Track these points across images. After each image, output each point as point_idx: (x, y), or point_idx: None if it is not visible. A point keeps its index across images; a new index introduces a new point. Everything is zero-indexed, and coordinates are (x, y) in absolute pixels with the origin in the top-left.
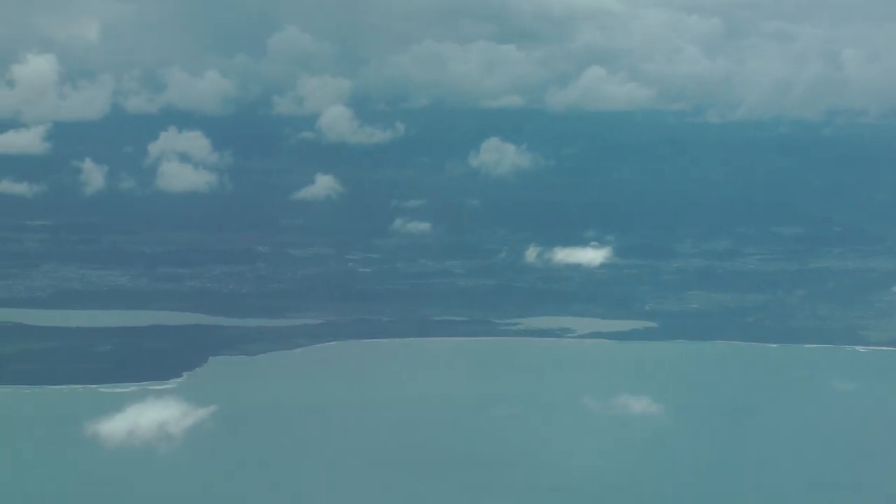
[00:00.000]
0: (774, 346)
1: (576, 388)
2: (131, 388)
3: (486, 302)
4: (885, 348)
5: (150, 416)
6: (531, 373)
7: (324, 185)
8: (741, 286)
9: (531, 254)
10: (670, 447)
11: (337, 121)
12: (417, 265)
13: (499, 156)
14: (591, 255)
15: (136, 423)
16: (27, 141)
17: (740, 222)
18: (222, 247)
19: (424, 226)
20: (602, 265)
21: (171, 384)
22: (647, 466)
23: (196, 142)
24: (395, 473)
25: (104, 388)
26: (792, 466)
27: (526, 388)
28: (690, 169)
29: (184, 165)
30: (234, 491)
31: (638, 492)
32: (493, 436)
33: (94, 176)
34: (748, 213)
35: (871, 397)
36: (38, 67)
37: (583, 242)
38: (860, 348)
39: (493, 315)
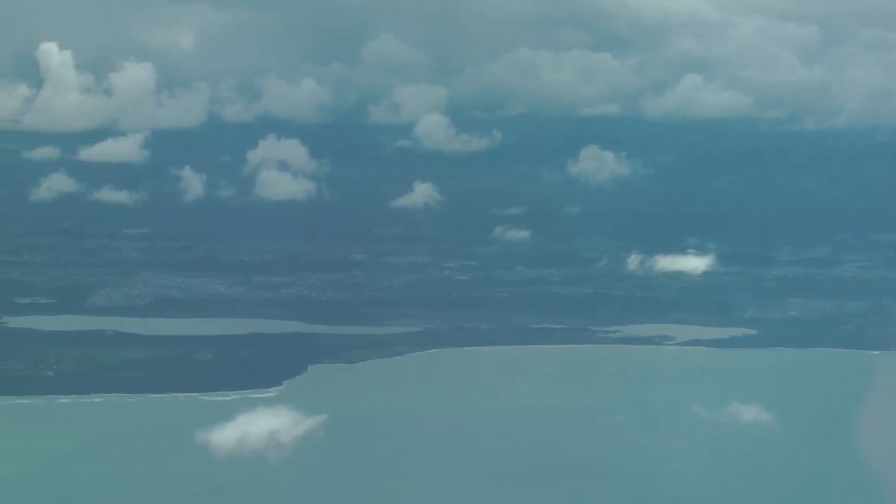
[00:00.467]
0: (876, 353)
1: (680, 395)
2: (232, 396)
3: (584, 309)
4: None
5: (256, 424)
6: (634, 380)
7: (422, 193)
8: (841, 293)
9: (630, 262)
10: (783, 456)
11: (433, 129)
12: (515, 273)
13: (597, 163)
14: (691, 263)
15: (243, 431)
16: (125, 149)
17: (839, 230)
18: (319, 255)
19: (524, 234)
20: (701, 273)
21: (271, 392)
22: (761, 475)
23: (293, 150)
24: (503, 483)
25: (205, 397)
26: None
27: (631, 395)
28: (788, 176)
29: (281, 174)
30: (342, 500)
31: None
32: (601, 444)
33: (191, 184)
34: (846, 221)
35: None
36: (135, 76)
37: (681, 250)
38: None
39: (592, 323)
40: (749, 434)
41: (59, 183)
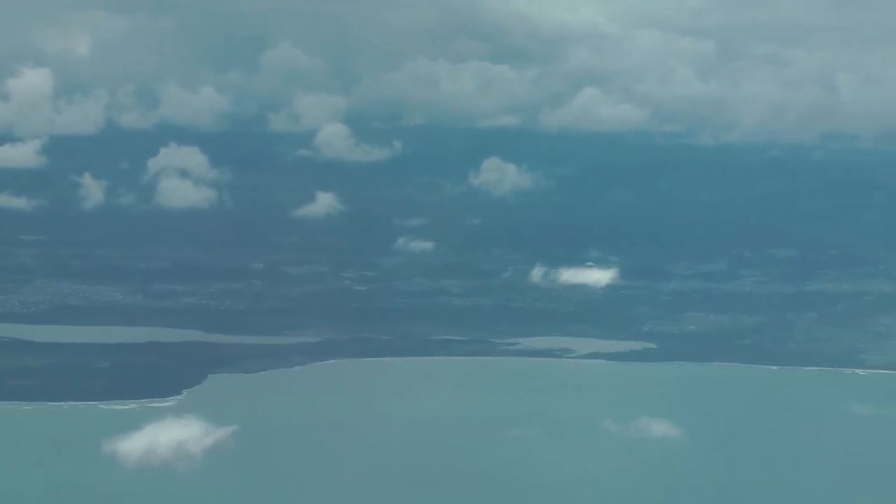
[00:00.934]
0: (774, 368)
1: (585, 407)
2: (131, 405)
3: (484, 321)
4: (886, 371)
5: (159, 434)
6: (535, 392)
7: (324, 202)
8: (738, 308)
9: (530, 274)
10: (683, 470)
11: (334, 138)
12: (415, 283)
13: (499, 175)
14: (590, 276)
15: (145, 441)
16: (23, 155)
17: (735, 244)
18: (219, 264)
19: (426, 244)
20: (601, 286)
21: (170, 402)
22: (666, 487)
23: (193, 158)
24: (408, 494)
25: (103, 406)
26: (808, 490)
27: (535, 407)
28: (684, 190)
29: (181, 181)
30: None
31: None
32: (508, 455)
33: (89, 191)
34: (743, 235)
35: (877, 420)
36: (32, 81)
37: (581, 263)
38: (860, 371)
39: (492, 335)
40: (655, 447)
41: None
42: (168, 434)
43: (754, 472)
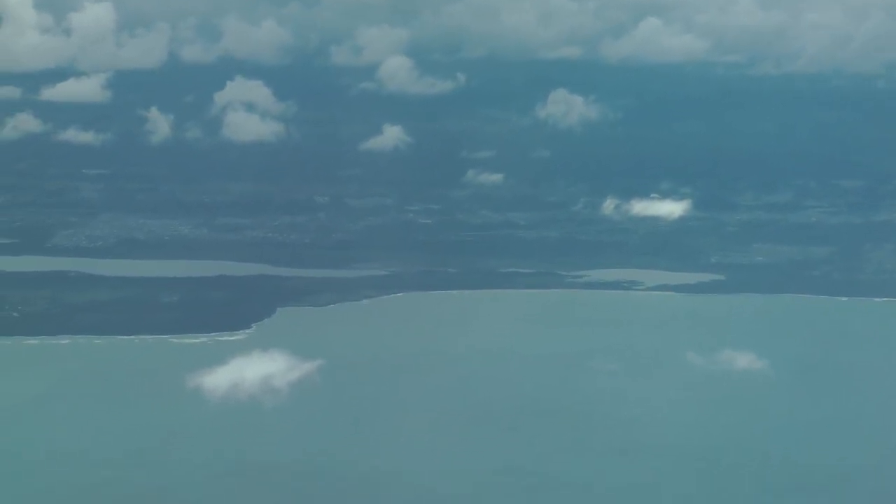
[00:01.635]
0: (844, 299)
1: (657, 340)
2: (201, 339)
3: (550, 254)
4: None
5: (236, 367)
6: (608, 325)
7: (390, 135)
8: (806, 239)
9: (595, 206)
10: (768, 402)
11: (397, 71)
12: (481, 216)
13: (565, 107)
14: (656, 208)
15: (223, 373)
16: (88, 89)
17: (800, 175)
18: (284, 197)
19: (494, 177)
20: (665, 218)
21: (240, 335)
22: (752, 421)
23: (258, 91)
24: (490, 428)
25: (174, 339)
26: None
27: (608, 340)
28: (747, 121)
29: (245, 115)
30: (317, 445)
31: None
32: (587, 389)
33: (153, 126)
34: (807, 166)
35: None
36: (94, 14)
37: (645, 195)
38: None
39: (559, 267)
40: (734, 379)
41: (20, 122)
42: (248, 368)
43: (836, 404)
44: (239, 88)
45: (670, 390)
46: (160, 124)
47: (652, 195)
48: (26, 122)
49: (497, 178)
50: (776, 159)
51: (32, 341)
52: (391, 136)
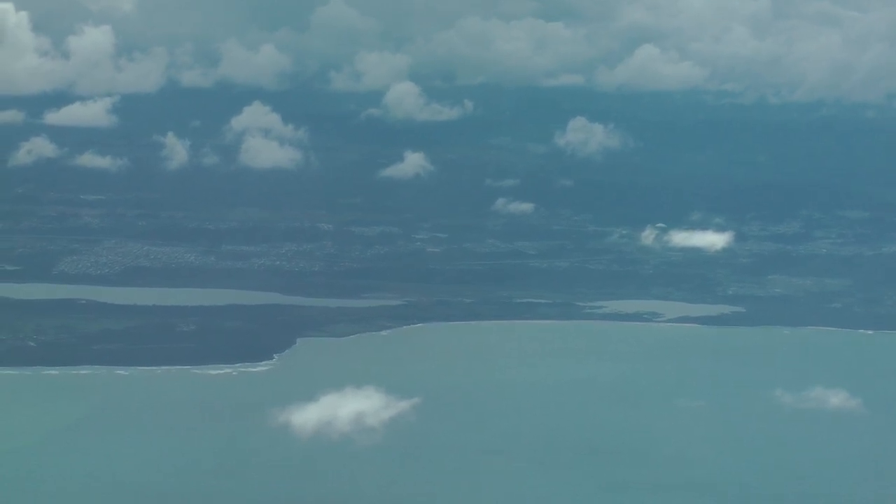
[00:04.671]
0: (870, 332)
1: (726, 373)
2: (225, 369)
3: (565, 284)
4: None
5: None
6: (637, 358)
7: (413, 163)
8: (819, 270)
9: (605, 236)
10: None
11: (403, 97)
12: (489, 245)
13: (583, 136)
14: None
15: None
16: (93, 114)
17: (803, 205)
18: (287, 224)
19: (515, 206)
20: (678, 248)
21: (263, 366)
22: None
23: (267, 118)
24: (538, 462)
25: (196, 370)
26: None
27: (647, 374)
28: (748, 151)
29: (263, 141)
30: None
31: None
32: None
33: (155, 151)
34: (811, 196)
35: None
36: (93, 39)
37: (647, 223)
38: None
39: (576, 298)
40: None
41: (31, 146)
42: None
43: None
44: (254, 114)
45: (753, 427)
46: (162, 150)
47: (658, 224)
48: (37, 146)
49: (512, 206)
50: (779, 189)
51: (53, 371)
52: (412, 163)
